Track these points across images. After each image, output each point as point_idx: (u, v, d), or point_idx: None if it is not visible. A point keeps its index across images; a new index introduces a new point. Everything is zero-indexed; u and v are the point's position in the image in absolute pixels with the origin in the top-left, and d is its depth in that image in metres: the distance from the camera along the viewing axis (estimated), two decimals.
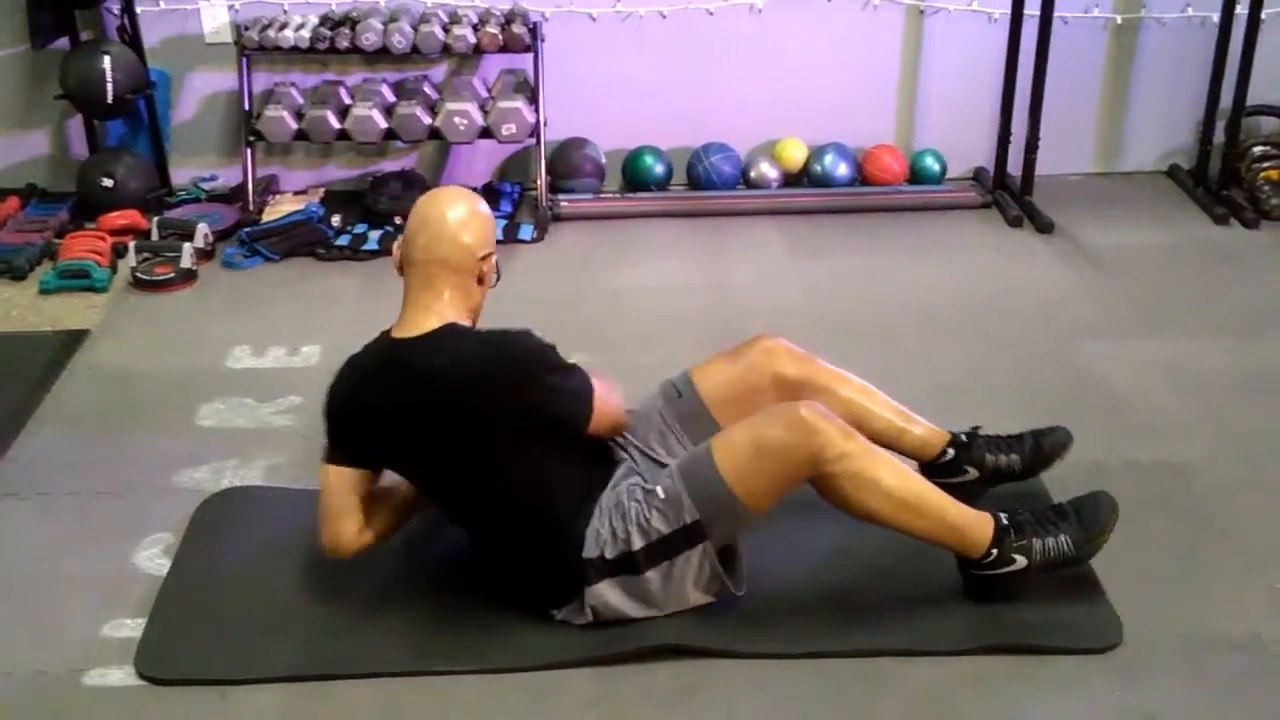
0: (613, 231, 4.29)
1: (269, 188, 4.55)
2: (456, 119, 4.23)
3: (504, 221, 4.29)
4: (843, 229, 4.30)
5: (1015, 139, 4.42)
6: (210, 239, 4.13)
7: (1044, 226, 4.23)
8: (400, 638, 2.42)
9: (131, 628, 2.45)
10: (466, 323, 2.41)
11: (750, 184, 4.54)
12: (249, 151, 4.36)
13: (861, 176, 4.54)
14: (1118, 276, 3.92)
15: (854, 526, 2.44)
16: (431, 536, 2.61)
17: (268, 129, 4.29)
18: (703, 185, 4.52)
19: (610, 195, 4.53)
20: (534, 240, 4.21)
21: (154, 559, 2.67)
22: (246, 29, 4.28)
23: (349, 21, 4.27)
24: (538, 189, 4.39)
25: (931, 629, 2.40)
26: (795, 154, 4.53)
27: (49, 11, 4.30)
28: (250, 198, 4.37)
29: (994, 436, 2.70)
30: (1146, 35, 4.53)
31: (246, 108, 4.36)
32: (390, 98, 4.34)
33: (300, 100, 4.37)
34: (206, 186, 4.53)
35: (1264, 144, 4.42)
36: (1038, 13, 4.19)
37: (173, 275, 3.92)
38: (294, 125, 4.29)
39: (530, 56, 4.32)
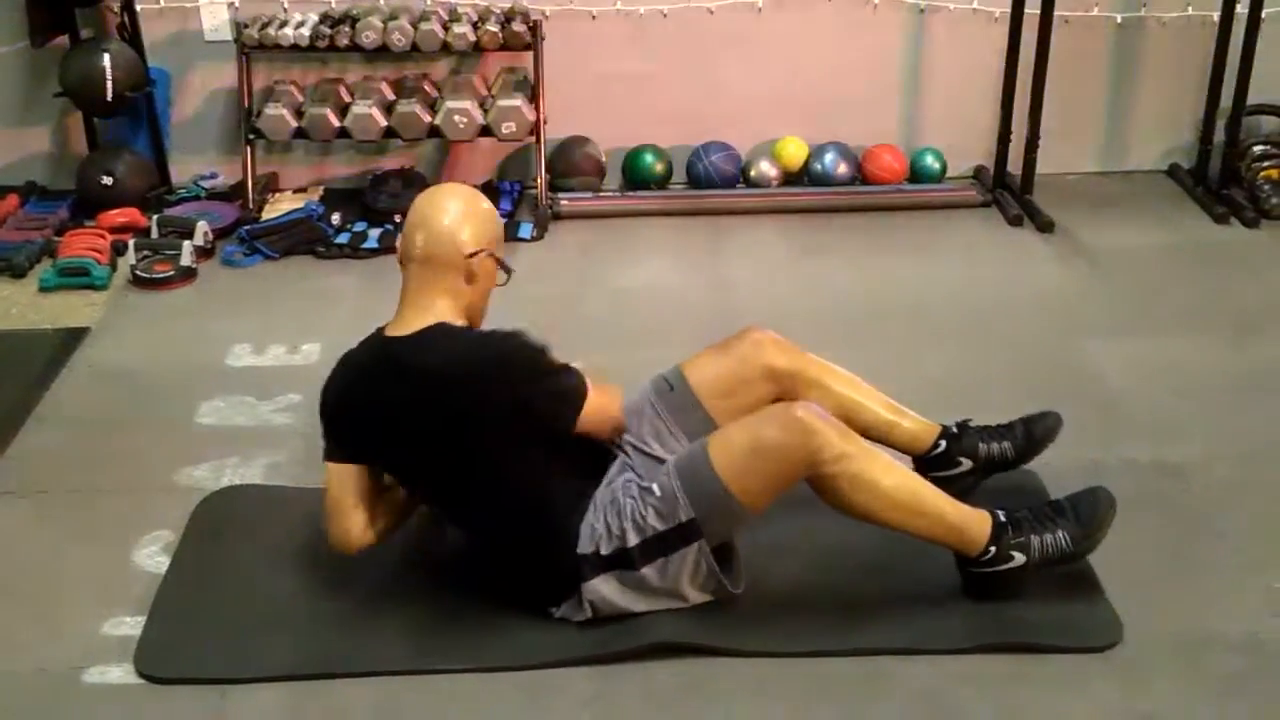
0: (612, 230, 4.29)
1: (269, 186, 4.55)
2: (456, 117, 4.23)
3: (504, 220, 4.28)
4: (843, 228, 4.30)
5: (1015, 138, 4.42)
6: (210, 237, 4.13)
7: (1044, 225, 4.23)
8: (399, 636, 2.42)
9: (131, 626, 2.45)
10: (460, 321, 2.40)
11: (750, 183, 4.53)
12: (249, 149, 4.36)
13: (862, 175, 4.54)
14: (1117, 275, 3.92)
15: (852, 525, 2.44)
16: (431, 535, 2.61)
17: (267, 127, 4.29)
18: (702, 184, 4.52)
19: (610, 194, 4.53)
20: (534, 239, 4.21)
21: (153, 557, 2.67)
22: (246, 27, 4.28)
23: (349, 19, 4.27)
24: (538, 187, 4.39)
25: (931, 628, 2.40)
26: (795, 153, 4.53)
27: (49, 9, 4.30)
28: (250, 196, 4.36)
29: (984, 426, 2.71)
30: (1147, 34, 4.52)
31: (246, 106, 4.36)
32: (390, 96, 4.34)
33: (300, 98, 4.37)
34: (206, 184, 4.53)
35: (1264, 143, 4.42)
36: (1038, 11, 4.19)
37: (172, 273, 3.92)
38: (294, 123, 4.29)
39: (530, 55, 4.32)
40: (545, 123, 4.32)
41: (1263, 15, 4.14)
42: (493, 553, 2.47)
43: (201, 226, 4.11)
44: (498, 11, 4.36)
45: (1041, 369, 3.36)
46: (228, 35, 4.41)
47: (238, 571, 2.61)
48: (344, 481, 2.41)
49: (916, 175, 4.55)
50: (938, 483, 2.45)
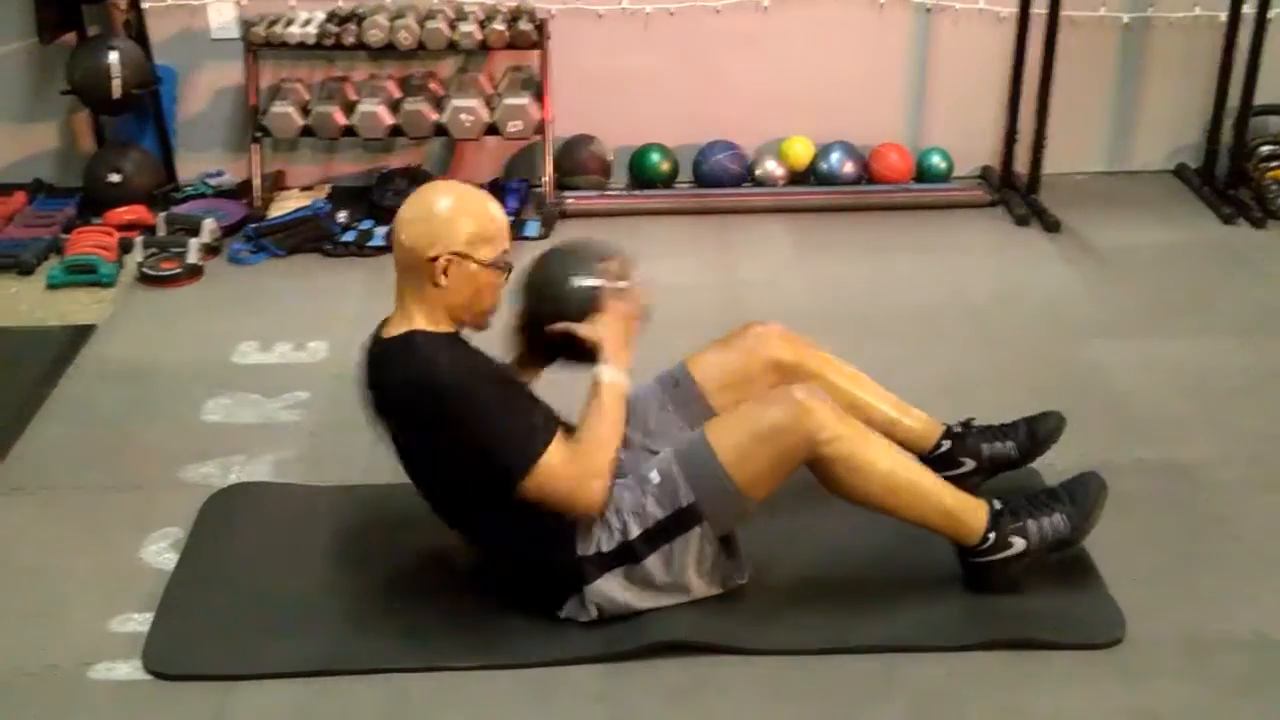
0: (619, 228, 4.28)
1: (275, 183, 4.55)
2: (463, 115, 4.23)
3: (510, 218, 4.26)
4: (849, 227, 4.30)
5: (1022, 137, 4.42)
6: (217, 234, 4.14)
7: (1050, 225, 4.23)
8: (407, 634, 2.42)
9: (139, 622, 2.46)
10: (442, 325, 2.34)
11: (756, 182, 4.53)
12: (255, 147, 4.37)
13: (868, 175, 4.54)
14: (1124, 275, 3.92)
15: (857, 523, 2.46)
16: (441, 533, 2.61)
17: (274, 125, 4.30)
18: (709, 183, 4.52)
19: (616, 192, 4.53)
20: (540, 237, 4.21)
21: (161, 554, 2.67)
22: (253, 25, 4.28)
23: (355, 18, 4.28)
24: (544, 186, 4.39)
25: (935, 624, 2.40)
26: (801, 152, 4.53)
27: (56, 6, 4.31)
28: (256, 193, 4.37)
29: (988, 426, 2.72)
30: (1154, 34, 4.52)
31: (253, 103, 4.36)
32: (396, 94, 4.34)
33: (307, 96, 4.37)
34: (213, 182, 4.54)
35: (1271, 143, 4.41)
36: (1045, 11, 4.18)
37: (179, 271, 3.93)
38: (300, 121, 4.29)
39: (537, 53, 4.32)
40: (551, 121, 4.33)
41: (1270, 15, 4.14)
42: (491, 557, 2.47)
43: (208, 224, 4.11)
44: (504, 10, 4.36)
45: (1048, 369, 3.36)
46: (234, 33, 4.41)
47: (246, 569, 2.62)
48: None
49: (923, 175, 4.55)
50: None
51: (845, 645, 2.36)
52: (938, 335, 3.56)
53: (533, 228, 4.24)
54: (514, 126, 4.25)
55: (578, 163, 4.49)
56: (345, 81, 4.40)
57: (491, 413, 2.26)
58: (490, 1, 4.41)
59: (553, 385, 2.54)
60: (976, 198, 4.46)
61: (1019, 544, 2.39)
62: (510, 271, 2.41)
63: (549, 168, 4.37)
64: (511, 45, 4.29)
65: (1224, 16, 4.28)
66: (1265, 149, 4.40)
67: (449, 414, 2.25)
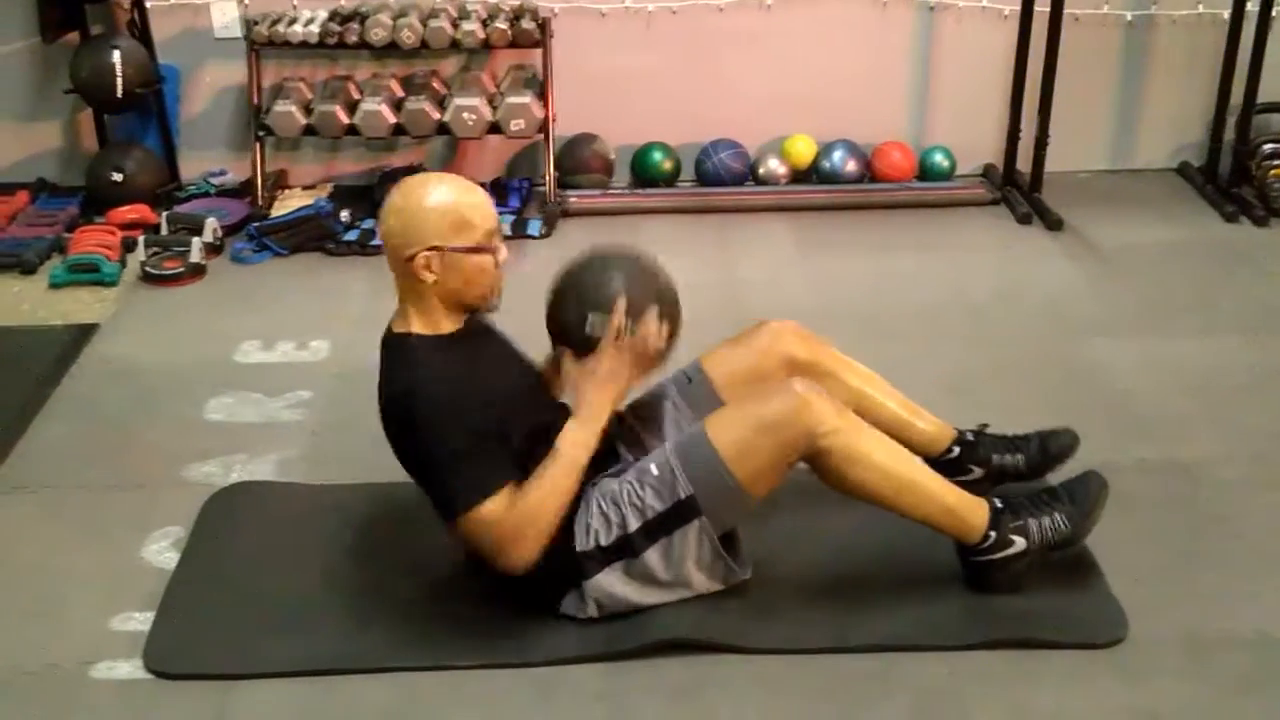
0: (621, 227, 4.29)
1: (278, 182, 4.55)
2: (465, 114, 4.23)
3: (512, 217, 4.29)
4: (851, 225, 4.30)
5: (1025, 136, 4.42)
6: (219, 234, 4.14)
7: (1053, 224, 4.22)
8: (408, 633, 2.42)
9: (140, 621, 2.46)
10: (431, 330, 2.34)
11: (759, 180, 4.53)
12: (258, 146, 4.37)
13: (870, 173, 4.54)
14: (1127, 274, 3.92)
15: (858, 522, 2.46)
16: (442, 531, 2.61)
17: (277, 124, 4.30)
18: (711, 181, 4.52)
19: (619, 191, 4.53)
20: (542, 236, 4.21)
21: (163, 553, 2.67)
22: (256, 24, 4.29)
23: (358, 16, 4.28)
24: (546, 184, 4.39)
25: (936, 624, 2.40)
26: (804, 150, 4.53)
27: (59, 6, 4.32)
28: (259, 192, 4.37)
29: (1000, 436, 2.70)
30: (1157, 32, 4.52)
31: (256, 102, 4.37)
32: (399, 93, 4.34)
33: (309, 95, 4.38)
34: (216, 181, 4.54)
35: (1275, 141, 4.40)
36: (1048, 9, 4.18)
37: (182, 270, 3.93)
38: (303, 120, 4.30)
39: (539, 52, 4.32)
40: (554, 120, 4.33)
41: (1274, 13, 4.14)
42: None
43: (211, 223, 4.12)
44: (507, 9, 4.36)
45: (1050, 367, 3.35)
46: (237, 32, 4.42)
47: (247, 568, 2.62)
48: None
49: (925, 173, 4.55)
50: None
51: (846, 644, 2.36)
52: (940, 334, 3.56)
53: (535, 226, 4.24)
54: (516, 125, 4.25)
55: (580, 161, 4.49)
56: (348, 80, 4.40)
57: (446, 448, 2.25)
58: (493, 0, 4.41)
59: None
60: (979, 196, 4.46)
61: (1020, 543, 2.39)
62: (497, 252, 2.35)
63: (551, 166, 4.37)
64: (514, 44, 4.29)
65: (1227, 14, 4.28)
66: (1268, 147, 4.39)
67: (413, 435, 2.28)
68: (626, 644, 2.35)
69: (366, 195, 4.40)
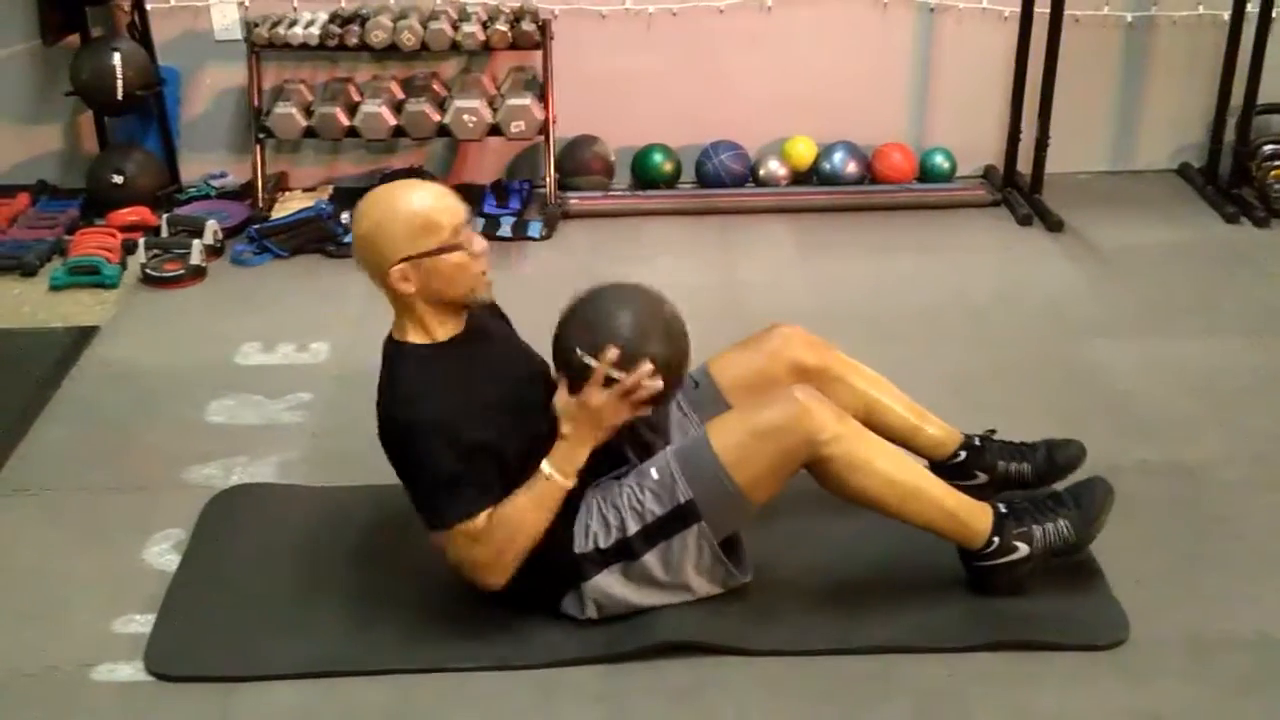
0: (621, 229, 4.29)
1: (278, 185, 4.55)
2: (465, 116, 4.23)
3: (513, 219, 4.29)
4: (852, 227, 4.30)
5: (1025, 137, 4.42)
6: (220, 236, 4.14)
7: (1054, 225, 4.22)
8: (409, 635, 2.42)
9: (141, 624, 2.46)
10: (424, 338, 2.33)
11: (759, 182, 4.53)
12: (258, 148, 4.37)
13: (871, 175, 4.54)
14: (1127, 275, 3.91)
15: (860, 525, 2.45)
16: None
17: (277, 126, 4.30)
18: (712, 183, 4.52)
19: (619, 193, 4.53)
20: (543, 238, 4.21)
21: (163, 555, 2.67)
22: (256, 26, 4.29)
23: (358, 19, 4.28)
24: (547, 186, 4.39)
25: (938, 625, 2.40)
26: (804, 152, 4.52)
27: (60, 8, 4.32)
28: (259, 194, 4.37)
29: (1008, 443, 2.69)
30: (1157, 33, 4.52)
31: (256, 105, 4.37)
32: (399, 95, 4.34)
33: (310, 97, 4.38)
34: (216, 183, 4.54)
35: (1275, 143, 4.40)
36: (1048, 10, 4.18)
37: (182, 272, 3.93)
38: (303, 122, 4.29)
39: (540, 54, 4.32)
40: (554, 122, 4.33)
41: (1274, 14, 4.14)
42: None
43: (211, 225, 4.12)
44: (507, 11, 4.36)
45: (1051, 369, 3.35)
46: (238, 34, 4.42)
47: (248, 570, 2.62)
48: None
49: (926, 174, 4.55)
50: None
51: (848, 646, 2.36)
52: (941, 335, 3.56)
53: (535, 228, 4.24)
54: (517, 127, 4.25)
55: (580, 163, 4.49)
56: (348, 82, 4.40)
57: (432, 470, 2.24)
58: (493, 2, 4.41)
59: None
60: (979, 197, 4.46)
61: (1023, 549, 2.39)
62: (470, 243, 2.30)
63: (552, 168, 4.37)
64: (514, 46, 4.29)
65: (1228, 15, 4.28)
66: (1269, 148, 4.38)
67: (404, 455, 2.28)
68: (627, 645, 2.35)
69: None
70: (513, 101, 4.25)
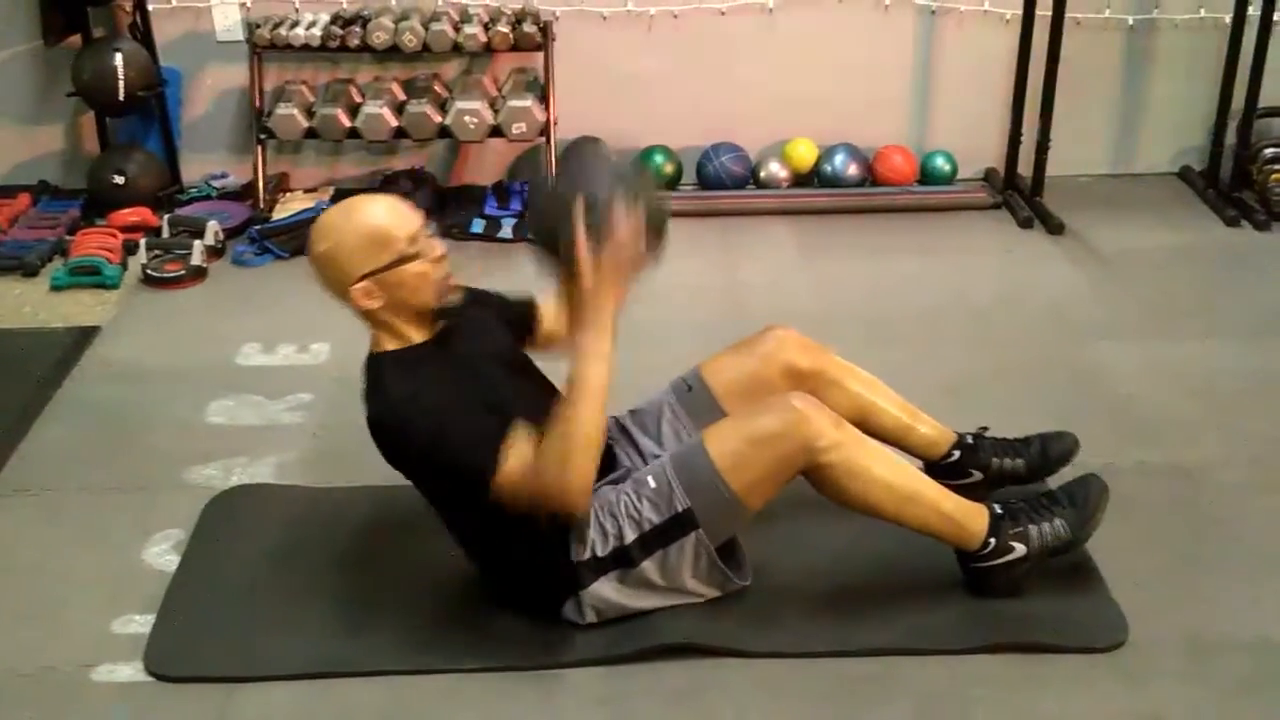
0: None
1: (279, 185, 4.56)
2: (467, 117, 4.23)
3: (514, 220, 4.29)
4: (852, 229, 4.30)
5: (1026, 140, 4.42)
6: (221, 236, 4.15)
7: (1054, 228, 4.22)
8: (409, 636, 2.42)
9: (140, 624, 2.46)
10: (399, 344, 2.33)
11: (760, 184, 4.53)
12: (260, 149, 4.37)
13: (872, 177, 4.54)
14: (1128, 278, 3.92)
15: (859, 527, 2.45)
16: (443, 534, 2.61)
17: (279, 127, 4.30)
18: (712, 185, 4.52)
19: None
20: None
21: (163, 555, 2.67)
22: (258, 27, 4.29)
23: (360, 20, 4.28)
24: None
25: (937, 628, 2.40)
26: (805, 154, 4.53)
27: (62, 9, 4.32)
28: (261, 195, 4.37)
29: (1000, 440, 2.70)
30: (1159, 36, 4.52)
31: (257, 105, 4.37)
32: (401, 96, 4.34)
33: (311, 98, 4.38)
34: (217, 184, 4.54)
35: (1276, 146, 4.40)
36: (1050, 13, 4.18)
37: (183, 272, 3.94)
38: (305, 123, 4.30)
39: (541, 55, 4.32)
40: (555, 123, 4.33)
41: (1275, 17, 4.13)
42: (487, 562, 2.46)
43: (212, 226, 4.12)
44: (509, 12, 4.36)
45: (1051, 371, 3.35)
46: (239, 35, 4.42)
47: (248, 570, 2.62)
48: None
49: (926, 177, 4.55)
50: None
51: (847, 648, 2.36)
52: (941, 337, 3.56)
53: None
54: (518, 129, 4.26)
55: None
56: (349, 84, 4.40)
57: (445, 436, 2.22)
58: (494, 3, 4.41)
59: None
60: (980, 200, 4.46)
61: (1020, 549, 2.39)
62: (429, 251, 2.28)
63: (553, 170, 4.37)
64: (516, 47, 4.29)
65: (1229, 18, 4.28)
66: (1270, 151, 4.39)
67: (409, 443, 2.26)
68: (627, 648, 2.34)
69: None
70: (514, 103, 4.25)
